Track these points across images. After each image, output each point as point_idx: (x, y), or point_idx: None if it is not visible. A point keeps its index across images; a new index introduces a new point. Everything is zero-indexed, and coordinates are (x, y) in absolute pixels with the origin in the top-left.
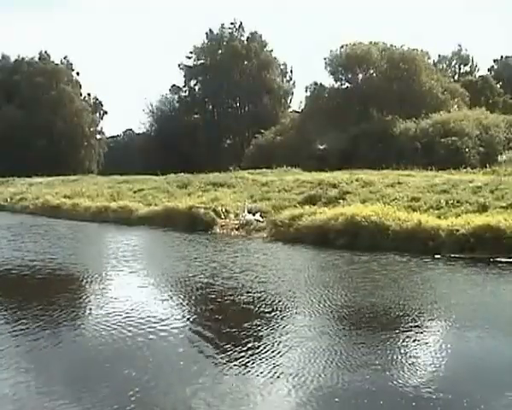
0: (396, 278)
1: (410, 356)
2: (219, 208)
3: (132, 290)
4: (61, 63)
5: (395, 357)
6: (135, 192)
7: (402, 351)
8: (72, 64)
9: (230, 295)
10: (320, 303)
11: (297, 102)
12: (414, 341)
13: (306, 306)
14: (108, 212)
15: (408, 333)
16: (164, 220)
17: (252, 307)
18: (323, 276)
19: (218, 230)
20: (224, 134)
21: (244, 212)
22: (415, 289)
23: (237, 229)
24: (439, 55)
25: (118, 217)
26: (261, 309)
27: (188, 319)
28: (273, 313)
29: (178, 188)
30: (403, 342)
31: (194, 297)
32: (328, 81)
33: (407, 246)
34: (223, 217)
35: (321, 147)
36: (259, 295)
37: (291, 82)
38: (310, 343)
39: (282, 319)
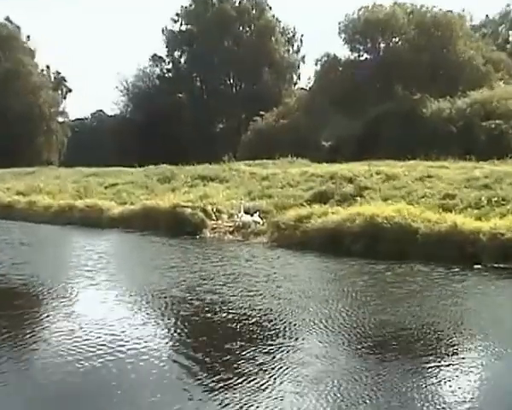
0: (426, 291)
1: (428, 396)
2: (210, 208)
3: (93, 308)
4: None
5: (410, 395)
6: (106, 188)
7: (419, 390)
8: (19, 28)
9: (211, 313)
10: (322, 323)
11: (305, 78)
12: (434, 373)
13: (305, 326)
14: (73, 212)
15: (426, 363)
16: (142, 222)
17: (238, 327)
18: (333, 290)
19: (208, 233)
20: (216, 117)
21: (240, 212)
22: (446, 305)
23: (232, 232)
24: (482, 19)
25: (85, 218)
26: (251, 331)
27: (153, 341)
28: (263, 337)
29: (159, 182)
30: (418, 375)
31: (166, 316)
32: (343, 52)
33: (439, 253)
34: (214, 218)
35: (334, 132)
36: (249, 313)
37: (299, 54)
38: (301, 373)
39: (272, 343)
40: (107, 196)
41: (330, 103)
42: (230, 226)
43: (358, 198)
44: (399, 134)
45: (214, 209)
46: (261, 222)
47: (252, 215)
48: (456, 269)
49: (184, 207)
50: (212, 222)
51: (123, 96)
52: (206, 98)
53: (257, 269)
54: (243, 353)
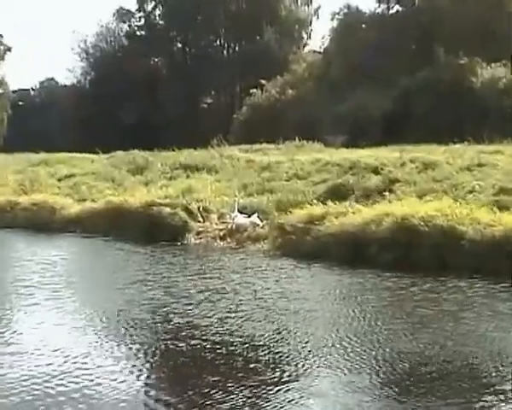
0: (463, 312)
1: None
2: (194, 206)
3: (27, 334)
4: None
5: None
6: (60, 180)
7: None
8: None
9: (177, 340)
10: (324, 353)
11: (319, 37)
12: None
13: (301, 358)
14: (16, 211)
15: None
16: (106, 225)
17: (211, 358)
18: (346, 310)
19: (192, 239)
20: (202, 88)
21: (233, 211)
22: (487, 332)
23: (223, 237)
24: None
25: (31, 219)
26: (228, 364)
27: (100, 377)
28: (244, 371)
29: (130, 173)
30: None
31: (120, 344)
32: (368, 4)
33: (490, 265)
34: (200, 219)
35: (354, 109)
36: (228, 340)
37: (311, 6)
38: None
39: (256, 379)
40: (60, 191)
41: (350, 71)
42: (221, 230)
43: (387, 194)
44: (440, 110)
45: (200, 208)
46: (261, 224)
47: (249, 216)
48: (506, 285)
49: (161, 205)
50: (198, 224)
51: (81, 60)
52: (190, 64)
53: (248, 284)
54: (215, 393)
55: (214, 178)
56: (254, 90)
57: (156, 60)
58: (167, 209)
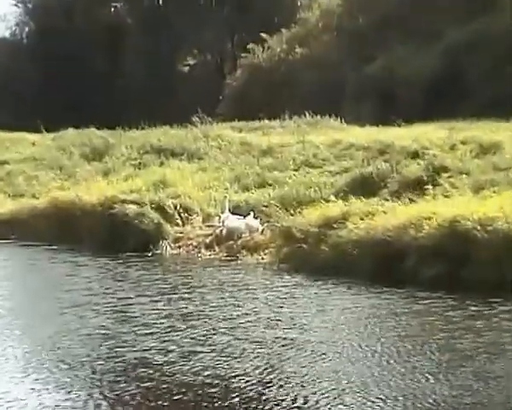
0: None
1: None
2: (171, 204)
3: None
4: None
5: None
6: None
7: None
8: None
9: (115, 382)
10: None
11: None
12: None
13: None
14: None
15: None
16: (52, 230)
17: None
18: (368, 341)
19: (168, 248)
20: (181, 45)
21: (224, 212)
22: None
23: (209, 246)
24: None
25: None
26: None
27: None
28: None
29: (84, 159)
30: None
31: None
32: None
33: None
34: (179, 222)
35: (386, 71)
36: (186, 380)
37: None
38: None
39: None
40: None
41: (380, 20)
42: (207, 236)
43: (430, 187)
44: (503, 74)
45: (179, 207)
46: (260, 229)
47: (244, 217)
48: None
49: (127, 202)
50: (176, 229)
51: (15, 4)
52: (164, 11)
53: (235, 306)
54: None
55: (198, 167)
56: (251, 48)
57: (118, 6)
58: (134, 208)
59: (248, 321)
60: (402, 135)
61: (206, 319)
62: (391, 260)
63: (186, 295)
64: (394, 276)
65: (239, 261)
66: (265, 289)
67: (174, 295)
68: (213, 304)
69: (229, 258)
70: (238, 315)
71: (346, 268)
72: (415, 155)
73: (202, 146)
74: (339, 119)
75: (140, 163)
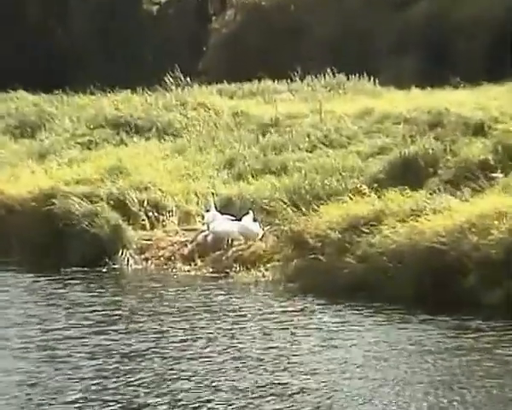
0: None
1: None
2: (135, 199)
3: None
4: None
5: None
6: None
7: None
8: None
9: None
10: None
11: None
12: None
13: None
14: None
15: None
16: None
17: None
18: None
19: (131, 261)
20: None
21: (210, 210)
22: None
23: (189, 259)
24: None
25: None
26: None
27: None
28: None
29: (10, 136)
30: None
31: None
32: None
33: None
34: (146, 224)
35: (436, 9)
36: None
37: None
38: None
39: None
40: None
41: None
42: (185, 244)
43: (500, 175)
44: None
45: (146, 203)
46: (260, 234)
47: (239, 219)
48: None
49: (71, 197)
50: (143, 234)
51: None
52: None
53: (214, 342)
54: None
55: (172, 148)
56: None
57: None
58: (82, 205)
59: (236, 367)
60: (460, 101)
61: (166, 360)
62: (442, 277)
63: (144, 327)
64: (446, 299)
65: (230, 279)
66: (266, 317)
67: (127, 327)
68: (183, 340)
69: (216, 275)
70: (225, 359)
71: (380, 288)
72: (478, 130)
73: (178, 118)
74: (370, 79)
75: (91, 141)
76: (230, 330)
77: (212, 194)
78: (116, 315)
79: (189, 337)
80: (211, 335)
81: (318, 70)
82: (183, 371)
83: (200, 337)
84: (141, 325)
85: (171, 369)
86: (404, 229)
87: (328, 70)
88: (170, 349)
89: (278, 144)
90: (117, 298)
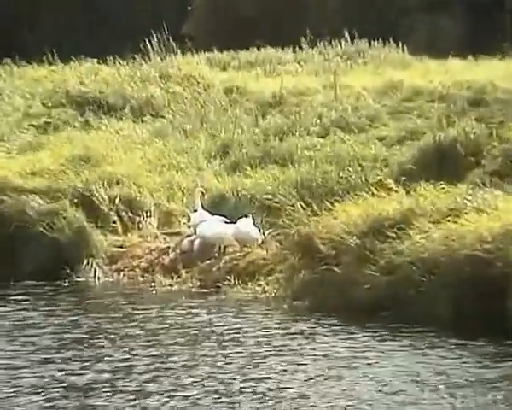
0: None
1: None
2: (104, 196)
3: None
4: None
5: None
6: None
7: None
8: None
9: None
10: None
11: None
12: None
13: None
14: None
15: None
16: None
17: None
18: None
19: (99, 273)
20: None
21: (198, 209)
22: None
23: (171, 270)
24: None
25: None
26: None
27: None
28: None
29: None
30: None
31: None
32: None
33: None
34: (119, 227)
35: None
36: None
37: None
38: None
39: None
40: None
41: None
42: (167, 251)
43: None
44: None
45: (118, 200)
46: (259, 238)
47: (234, 221)
48: None
49: (23, 192)
50: (114, 240)
51: None
52: None
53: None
54: None
55: (151, 131)
56: None
57: None
58: (38, 202)
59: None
60: (509, 73)
61: (129, 396)
62: (485, 293)
63: (106, 355)
64: (488, 321)
65: (222, 296)
66: (263, 342)
67: (82, 354)
68: (152, 370)
69: (204, 290)
70: (203, 394)
71: (407, 307)
72: None
73: (159, 94)
74: (397, 45)
75: (48, 124)
76: (214, 357)
77: (202, 194)
78: (72, 340)
79: (160, 367)
80: (188, 364)
81: (332, 35)
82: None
83: (174, 368)
84: (101, 352)
85: (134, 407)
86: (440, 233)
87: (345, 35)
88: (135, 382)
89: (283, 128)
90: (77, 319)
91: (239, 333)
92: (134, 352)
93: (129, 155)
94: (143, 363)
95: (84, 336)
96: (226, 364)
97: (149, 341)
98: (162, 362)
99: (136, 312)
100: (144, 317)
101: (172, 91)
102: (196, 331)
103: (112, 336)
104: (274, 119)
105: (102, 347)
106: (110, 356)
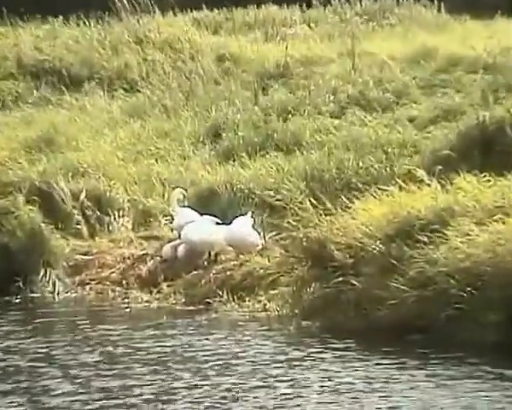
0: None
1: None
2: (66, 189)
3: None
4: None
5: None
6: None
7: None
8: None
9: None
10: None
11: None
12: None
13: None
14: None
15: None
16: None
17: None
18: None
19: (59, 286)
20: None
21: (183, 206)
22: None
23: (149, 283)
24: None
25: None
26: None
27: None
28: None
29: None
30: None
31: None
32: None
33: None
34: (83, 229)
35: None
36: None
37: None
38: None
39: None
40: None
41: None
42: (143, 259)
43: None
44: None
45: (83, 196)
46: (259, 243)
47: (226, 222)
48: None
49: None
50: (78, 245)
51: None
52: None
53: None
54: None
55: (125, 110)
56: None
57: None
58: None
59: None
60: None
61: None
62: None
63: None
64: None
65: (213, 314)
66: (267, 374)
67: (19, 386)
68: (107, 407)
69: (191, 307)
70: None
71: (443, 328)
72: None
73: (134, 63)
74: (433, 2)
75: None
76: (196, 389)
77: (184, 191)
78: (16, 369)
79: (121, 403)
80: (160, 398)
81: None
82: None
83: (139, 403)
84: (49, 384)
85: None
86: (484, 236)
87: None
88: None
89: (288, 106)
90: (24, 343)
91: (231, 360)
92: (91, 384)
93: (97, 140)
94: (100, 397)
95: (32, 364)
96: (207, 397)
97: (112, 370)
98: (125, 396)
99: (101, 334)
100: (111, 341)
101: (151, 60)
102: (178, 358)
103: (66, 363)
104: (277, 94)
105: (52, 377)
106: (59, 389)
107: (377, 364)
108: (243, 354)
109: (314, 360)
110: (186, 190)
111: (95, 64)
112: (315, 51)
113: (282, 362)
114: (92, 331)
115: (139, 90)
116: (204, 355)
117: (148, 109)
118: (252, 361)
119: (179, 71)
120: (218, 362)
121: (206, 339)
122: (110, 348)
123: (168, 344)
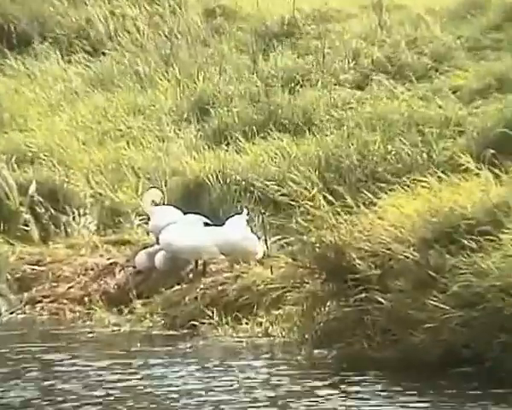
0: None
1: None
2: (10, 180)
3: None
4: None
5: None
6: None
7: None
8: None
9: None
10: None
11: None
12: None
13: None
14: None
15: None
16: None
17: None
18: None
19: (1, 306)
20: None
21: (161, 203)
22: None
23: (119, 301)
24: None
25: None
26: None
27: None
28: None
29: None
30: None
31: None
32: None
33: None
34: (34, 231)
35: None
36: None
37: None
38: None
39: None
40: None
41: None
42: (111, 270)
43: None
44: None
45: (33, 189)
46: (259, 250)
47: (217, 224)
48: None
49: None
50: (27, 251)
51: None
52: None
53: None
54: None
55: (87, 77)
56: None
57: None
58: None
59: None
60: None
61: None
62: None
63: None
64: None
65: (201, 341)
66: None
67: None
68: None
69: (172, 331)
70: None
71: (498, 359)
72: None
73: (99, 18)
74: None
75: None
76: None
77: (161, 193)
78: None
79: None
80: None
81: None
82: None
83: None
84: None
85: None
86: None
87: None
88: None
89: (296, 74)
90: None
91: (222, 399)
92: None
93: (51, 117)
94: None
95: None
96: None
97: None
98: None
99: (54, 368)
100: (66, 376)
101: (121, 14)
102: (153, 398)
103: (8, 403)
104: (282, 59)
105: None
106: None
107: (411, 403)
108: (238, 395)
109: (329, 399)
110: (166, 182)
111: (47, 19)
112: (331, 4)
113: (288, 402)
114: (43, 364)
115: (104, 53)
116: (188, 395)
117: (117, 78)
118: (249, 401)
119: (156, 28)
120: (205, 405)
121: (191, 374)
122: (65, 386)
123: (142, 382)
